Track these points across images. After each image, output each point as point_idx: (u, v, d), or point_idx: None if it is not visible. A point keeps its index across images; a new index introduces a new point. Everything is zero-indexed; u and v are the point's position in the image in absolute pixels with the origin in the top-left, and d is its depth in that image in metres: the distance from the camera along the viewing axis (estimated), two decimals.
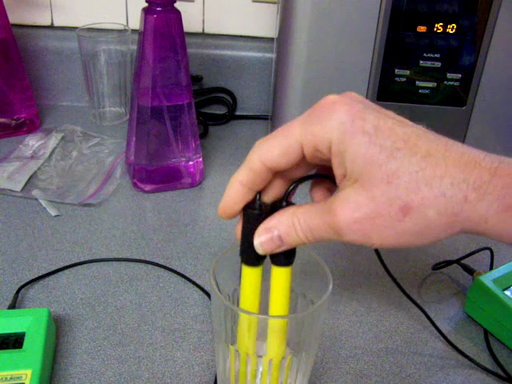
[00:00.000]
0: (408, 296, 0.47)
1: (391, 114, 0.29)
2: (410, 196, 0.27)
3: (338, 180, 0.30)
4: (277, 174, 0.31)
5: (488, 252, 0.54)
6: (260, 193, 0.32)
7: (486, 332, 0.47)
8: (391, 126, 0.28)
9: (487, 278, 0.47)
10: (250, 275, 0.32)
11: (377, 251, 0.45)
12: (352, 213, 0.28)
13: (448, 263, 0.54)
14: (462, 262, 0.53)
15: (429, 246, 0.58)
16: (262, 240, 0.30)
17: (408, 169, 0.27)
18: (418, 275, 0.54)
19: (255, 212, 0.31)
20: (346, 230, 0.28)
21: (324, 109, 0.29)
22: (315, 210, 0.29)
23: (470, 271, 0.51)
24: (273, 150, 0.29)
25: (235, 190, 0.31)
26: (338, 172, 0.29)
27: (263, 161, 0.30)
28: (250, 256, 0.32)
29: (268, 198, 0.32)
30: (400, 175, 0.27)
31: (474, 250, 0.54)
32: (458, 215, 0.27)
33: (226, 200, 0.31)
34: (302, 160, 0.30)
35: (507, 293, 0.47)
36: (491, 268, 0.53)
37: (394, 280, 0.46)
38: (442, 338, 0.46)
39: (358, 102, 0.29)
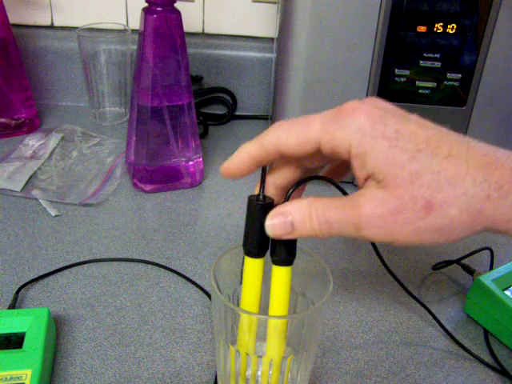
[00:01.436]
0: (408, 292, 0.47)
1: (414, 117, 0.30)
2: (433, 194, 0.27)
3: (359, 182, 0.30)
4: (290, 159, 0.32)
5: (488, 252, 0.54)
6: (263, 186, 0.32)
7: (486, 332, 0.47)
8: (413, 130, 0.28)
9: (487, 278, 0.47)
10: (252, 267, 0.33)
11: (375, 248, 0.40)
12: (376, 208, 0.28)
13: (448, 263, 0.54)
14: (462, 262, 0.53)
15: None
16: (275, 222, 0.30)
17: (430, 169, 0.27)
18: (418, 275, 0.54)
19: (259, 203, 0.31)
20: (368, 224, 0.28)
21: (345, 113, 0.29)
22: (336, 203, 0.30)
23: (470, 271, 0.51)
24: (290, 137, 0.30)
25: (241, 159, 0.32)
26: (359, 174, 0.30)
27: (277, 144, 0.31)
28: (253, 247, 0.32)
29: (276, 180, 0.33)
30: (422, 175, 0.27)
31: (474, 250, 0.54)
32: (480, 213, 0.27)
33: (230, 164, 0.33)
34: (317, 153, 0.30)
35: (507, 293, 0.47)
36: (491, 268, 0.53)
37: (395, 277, 0.46)
38: (442, 337, 0.46)
39: (379, 108, 0.29)
